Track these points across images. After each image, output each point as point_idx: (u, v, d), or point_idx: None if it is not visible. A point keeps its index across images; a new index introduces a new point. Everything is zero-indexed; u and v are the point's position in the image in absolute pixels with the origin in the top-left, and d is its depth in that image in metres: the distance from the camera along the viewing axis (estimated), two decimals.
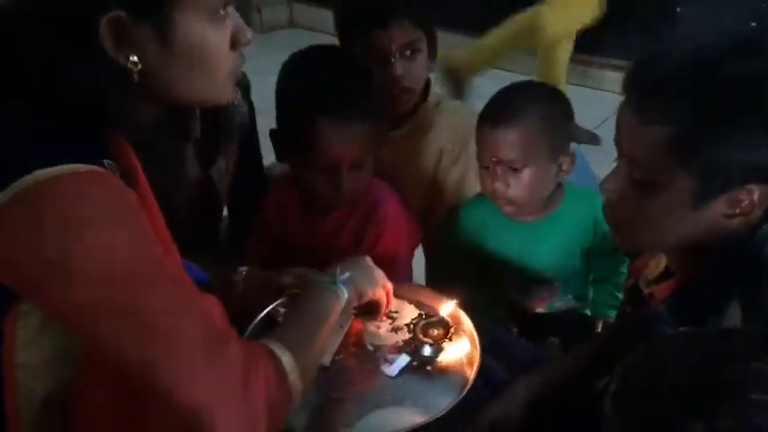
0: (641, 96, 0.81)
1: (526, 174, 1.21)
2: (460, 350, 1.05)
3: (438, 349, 1.06)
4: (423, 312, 1.13)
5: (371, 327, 1.11)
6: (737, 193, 0.78)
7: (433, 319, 1.10)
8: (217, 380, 0.71)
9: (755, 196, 0.78)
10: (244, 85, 1.28)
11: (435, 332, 1.08)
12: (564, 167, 1.26)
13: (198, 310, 0.74)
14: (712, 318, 0.81)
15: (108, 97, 0.72)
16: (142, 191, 0.79)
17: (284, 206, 1.33)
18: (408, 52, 1.37)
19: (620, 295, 1.30)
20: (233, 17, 0.79)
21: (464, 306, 1.12)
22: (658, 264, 0.94)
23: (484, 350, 1.05)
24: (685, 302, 0.86)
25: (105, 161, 0.70)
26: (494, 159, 1.22)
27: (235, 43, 0.80)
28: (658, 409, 0.60)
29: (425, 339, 1.07)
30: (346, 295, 1.00)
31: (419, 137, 1.47)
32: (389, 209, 1.28)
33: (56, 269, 0.66)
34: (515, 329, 1.33)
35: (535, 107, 1.21)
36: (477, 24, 2.81)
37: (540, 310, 1.38)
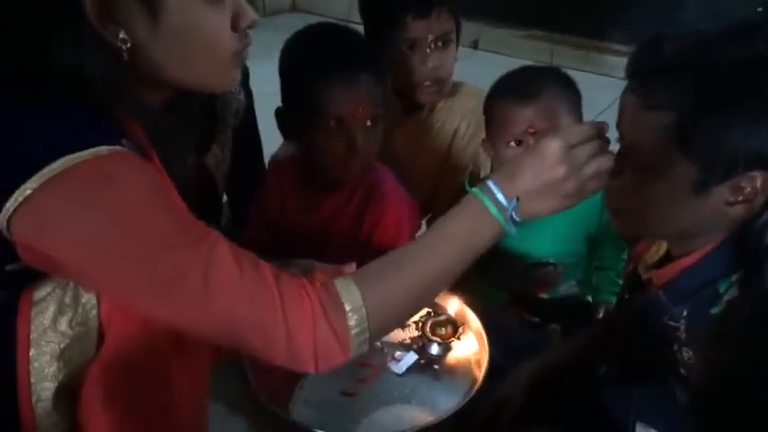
0: (643, 82, 0.81)
1: None
2: (468, 349, 1.05)
3: (446, 348, 1.05)
4: (430, 310, 1.12)
5: None
6: (740, 179, 0.78)
7: (441, 318, 1.09)
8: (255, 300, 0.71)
9: (758, 183, 0.77)
10: (242, 73, 1.27)
11: (443, 330, 1.07)
12: None
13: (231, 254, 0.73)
14: (711, 304, 0.82)
15: (95, 73, 0.69)
16: (158, 168, 0.78)
17: (283, 190, 1.32)
18: (441, 43, 1.37)
19: (620, 281, 1.30)
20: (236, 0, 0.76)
21: (469, 302, 1.11)
22: (659, 249, 0.94)
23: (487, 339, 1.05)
24: (684, 288, 0.86)
25: (123, 140, 0.70)
26: (530, 131, 1.21)
27: (236, 25, 0.77)
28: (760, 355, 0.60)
29: (433, 338, 1.06)
30: (512, 230, 0.79)
31: (435, 120, 1.48)
32: (390, 190, 1.28)
33: (92, 249, 0.66)
34: (517, 316, 1.34)
35: (553, 80, 1.23)
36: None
37: (543, 295, 1.38)
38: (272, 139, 1.43)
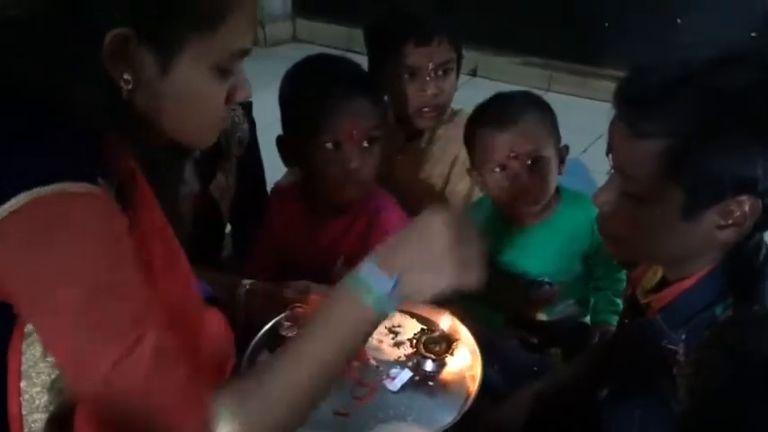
0: (631, 109, 0.82)
1: (543, 164, 1.25)
2: (462, 364, 1.06)
3: (440, 364, 1.06)
4: (424, 327, 1.13)
5: (374, 341, 1.10)
6: (728, 204, 0.79)
7: (434, 334, 1.10)
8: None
9: (746, 207, 0.78)
10: (246, 104, 1.30)
11: (437, 347, 1.08)
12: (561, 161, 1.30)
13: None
14: (708, 327, 0.82)
15: (88, 99, 0.70)
16: (143, 202, 0.78)
17: (287, 216, 1.34)
18: (442, 72, 1.40)
19: (620, 301, 1.30)
20: (237, 73, 0.78)
21: (460, 317, 1.12)
22: (656, 273, 0.94)
23: (485, 359, 1.05)
24: (681, 313, 0.86)
25: (99, 179, 0.69)
26: (512, 155, 1.24)
27: (230, 98, 0.78)
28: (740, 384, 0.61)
29: (428, 354, 1.07)
30: (389, 313, 0.76)
31: (434, 147, 1.50)
32: (392, 216, 1.29)
33: (36, 289, 0.66)
34: (516, 339, 1.34)
35: (530, 103, 1.27)
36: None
37: (541, 315, 1.39)
38: (273, 169, 1.45)
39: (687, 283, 0.86)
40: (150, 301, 0.70)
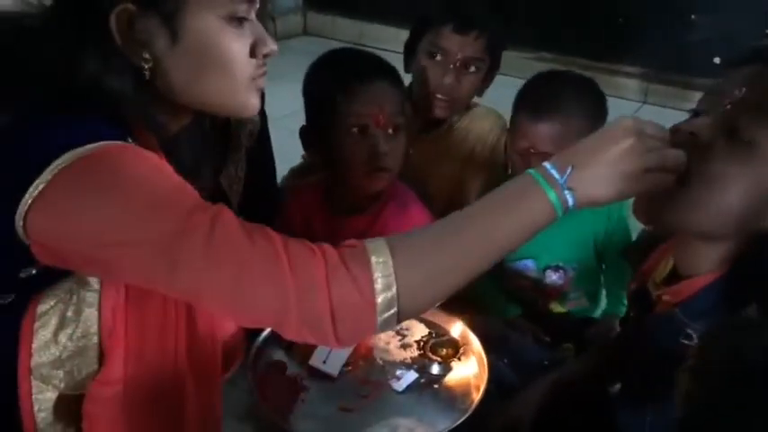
0: None
1: None
2: (469, 371, 1.06)
3: (446, 368, 1.06)
4: (432, 331, 1.14)
5: (381, 342, 1.11)
6: None
7: (443, 338, 1.10)
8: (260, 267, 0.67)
9: None
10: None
11: (444, 351, 1.08)
12: None
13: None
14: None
15: (117, 89, 0.72)
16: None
17: (307, 215, 1.33)
18: (466, 66, 1.40)
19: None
20: (255, 26, 0.79)
21: (472, 325, 1.12)
22: (666, 266, 0.93)
23: (496, 353, 1.05)
24: (702, 305, 0.85)
25: (129, 139, 0.72)
26: (531, 150, 1.23)
27: (254, 52, 0.79)
28: (738, 390, 0.60)
29: (434, 358, 1.07)
30: (559, 212, 0.71)
31: (450, 140, 1.50)
32: (415, 211, 1.29)
33: (102, 237, 0.67)
34: (531, 334, 1.34)
35: (576, 103, 1.23)
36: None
37: (554, 304, 1.38)
38: (283, 161, 1.45)
39: (706, 278, 0.84)
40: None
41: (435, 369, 1.06)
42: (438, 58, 1.39)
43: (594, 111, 1.24)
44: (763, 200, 0.77)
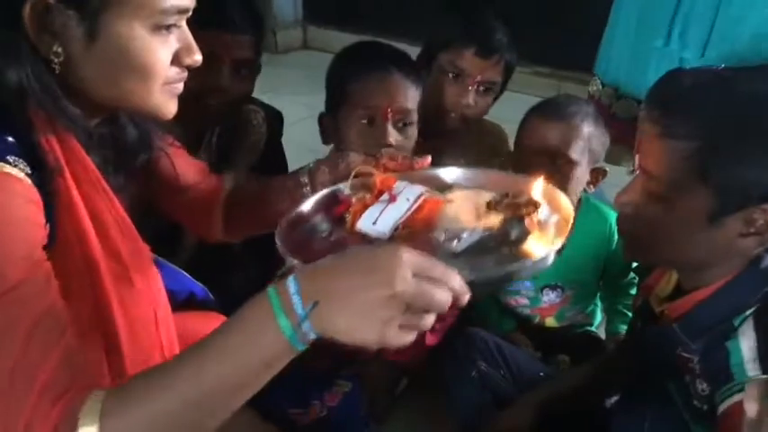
0: (663, 110, 0.82)
1: (569, 168, 1.22)
2: (546, 238, 0.79)
3: (523, 231, 0.79)
4: (509, 192, 0.83)
5: (451, 209, 0.85)
6: (753, 211, 0.78)
7: (521, 199, 0.81)
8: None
9: None
10: (269, 109, 1.30)
11: (524, 212, 0.80)
12: (592, 180, 1.28)
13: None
14: (725, 337, 0.82)
15: (16, 80, 0.69)
16: (79, 183, 0.77)
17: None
18: (484, 89, 1.41)
19: (630, 314, 1.29)
20: (182, 33, 0.77)
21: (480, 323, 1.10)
22: (669, 282, 0.94)
23: (490, 365, 1.03)
24: (700, 322, 0.85)
25: (11, 158, 0.67)
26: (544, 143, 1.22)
27: (177, 59, 0.77)
28: None
29: (511, 222, 0.80)
30: (300, 348, 0.60)
31: (450, 150, 1.49)
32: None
33: None
34: (527, 346, 1.33)
35: (584, 113, 1.25)
36: None
37: (550, 319, 1.38)
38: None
39: (703, 293, 0.85)
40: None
41: (513, 234, 0.79)
42: (456, 77, 1.40)
43: (598, 124, 1.26)
44: (714, 227, 0.80)
